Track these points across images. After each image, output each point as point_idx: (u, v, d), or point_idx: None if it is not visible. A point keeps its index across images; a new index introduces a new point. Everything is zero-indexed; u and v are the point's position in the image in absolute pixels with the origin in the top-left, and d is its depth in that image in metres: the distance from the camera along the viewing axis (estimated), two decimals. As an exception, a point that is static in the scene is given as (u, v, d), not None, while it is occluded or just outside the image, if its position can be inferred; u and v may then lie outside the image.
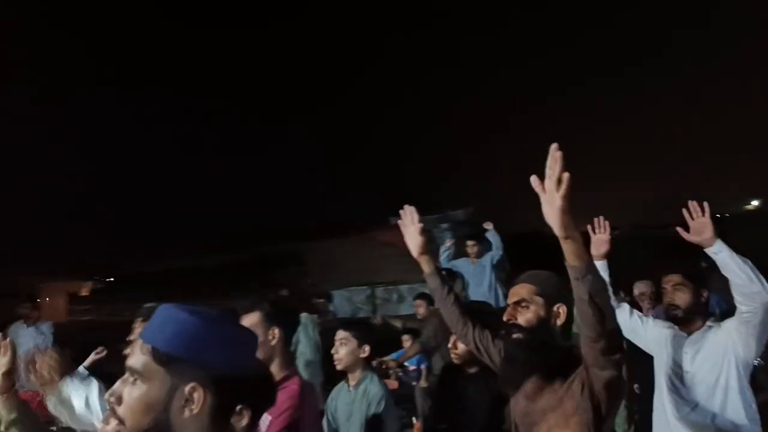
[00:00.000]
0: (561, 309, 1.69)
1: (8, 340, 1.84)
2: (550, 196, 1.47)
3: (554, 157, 1.44)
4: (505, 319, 1.74)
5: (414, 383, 5.49)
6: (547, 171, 1.46)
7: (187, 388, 0.92)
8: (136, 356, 0.95)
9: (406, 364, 5.53)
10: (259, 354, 1.96)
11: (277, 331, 2.11)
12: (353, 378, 2.55)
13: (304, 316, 6.47)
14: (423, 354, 5.23)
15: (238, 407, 1.59)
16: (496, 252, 5.65)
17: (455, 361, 2.50)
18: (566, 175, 1.44)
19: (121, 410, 0.94)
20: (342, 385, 2.63)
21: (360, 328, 2.63)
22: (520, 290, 1.76)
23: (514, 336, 1.71)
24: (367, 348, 2.54)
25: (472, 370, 2.41)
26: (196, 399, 0.93)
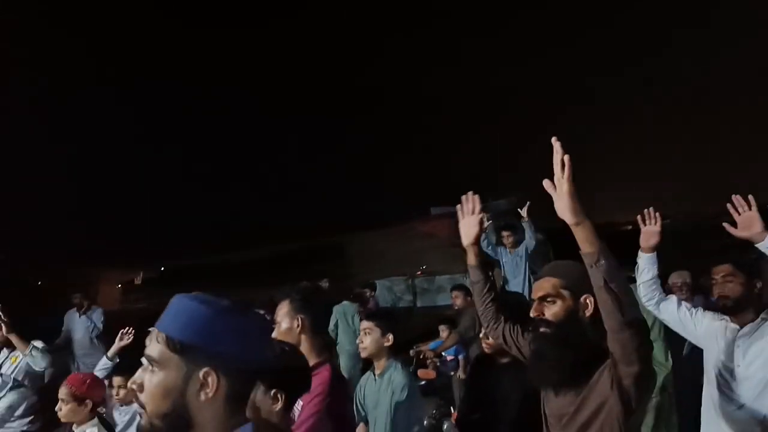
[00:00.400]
0: (588, 300, 1.64)
1: None
2: (558, 185, 1.49)
3: (555, 148, 1.47)
4: (532, 315, 1.70)
5: (451, 373, 5.47)
6: (554, 166, 1.48)
7: (201, 374, 0.97)
8: (153, 345, 1.00)
9: (443, 354, 5.52)
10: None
11: (302, 319, 2.15)
12: (378, 366, 2.60)
13: (344, 304, 6.54)
14: (460, 344, 5.21)
15: (273, 391, 1.64)
16: (530, 241, 5.56)
17: (486, 351, 2.48)
18: (567, 156, 1.46)
19: (142, 397, 1.00)
20: (369, 374, 2.68)
21: (383, 318, 2.69)
22: (545, 284, 1.71)
23: (542, 331, 1.67)
24: (390, 337, 2.58)
25: (504, 360, 2.38)
26: (210, 384, 0.97)
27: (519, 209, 5.88)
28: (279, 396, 1.65)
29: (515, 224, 5.85)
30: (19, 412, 3.84)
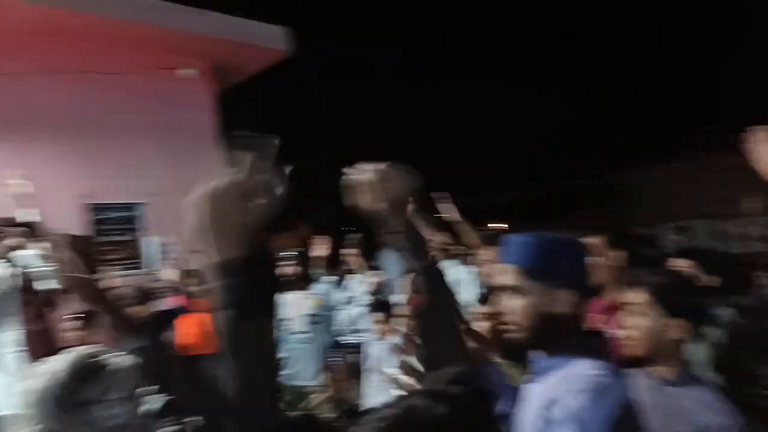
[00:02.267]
0: None
1: None
2: None
3: None
4: None
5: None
6: None
7: (552, 291, 1.19)
8: (505, 276, 1.23)
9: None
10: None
11: (614, 254, 2.39)
12: None
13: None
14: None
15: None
16: None
17: None
18: None
19: (508, 318, 1.23)
20: None
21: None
22: None
23: None
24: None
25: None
26: (560, 297, 1.19)
27: None
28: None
29: None
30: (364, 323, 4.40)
